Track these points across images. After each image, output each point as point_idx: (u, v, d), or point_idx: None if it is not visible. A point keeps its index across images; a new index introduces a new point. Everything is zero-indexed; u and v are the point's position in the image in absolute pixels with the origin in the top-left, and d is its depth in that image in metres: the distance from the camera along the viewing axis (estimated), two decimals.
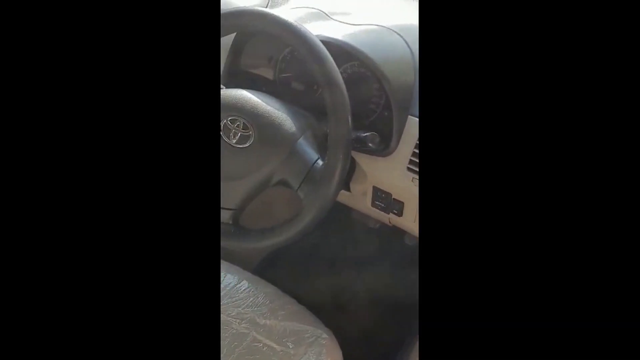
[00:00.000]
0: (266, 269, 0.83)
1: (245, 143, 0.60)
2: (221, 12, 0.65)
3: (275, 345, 0.68)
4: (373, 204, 0.76)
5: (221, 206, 0.63)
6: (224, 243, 0.64)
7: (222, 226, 0.64)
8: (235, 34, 0.76)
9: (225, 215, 0.64)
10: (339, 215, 0.77)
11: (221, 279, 0.76)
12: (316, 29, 0.67)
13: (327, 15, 0.80)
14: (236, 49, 0.79)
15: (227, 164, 0.62)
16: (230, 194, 0.63)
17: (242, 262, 0.82)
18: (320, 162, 0.59)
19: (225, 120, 0.61)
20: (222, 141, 0.61)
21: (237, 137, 0.61)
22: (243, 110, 0.61)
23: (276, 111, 0.61)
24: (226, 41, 0.77)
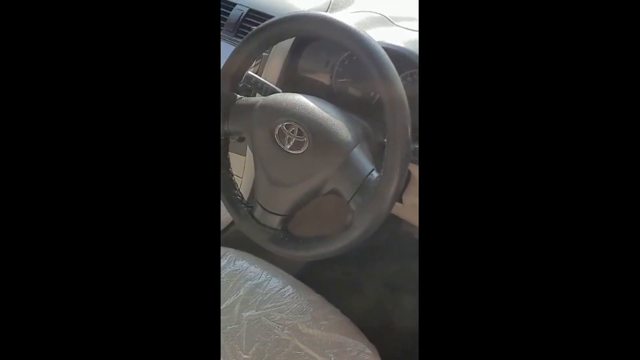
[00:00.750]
0: (310, 274, 0.82)
1: (299, 149, 0.59)
2: (283, 16, 0.65)
3: (317, 356, 0.67)
4: None
5: (271, 211, 0.63)
6: (273, 249, 0.64)
7: (271, 231, 0.64)
8: (294, 38, 0.76)
9: (274, 221, 0.63)
10: (388, 227, 0.75)
11: (266, 282, 0.76)
12: (378, 35, 0.65)
13: (390, 20, 0.78)
14: (294, 53, 0.79)
15: (279, 169, 0.61)
16: (281, 199, 0.62)
17: (286, 265, 0.82)
18: (375, 174, 0.57)
19: (280, 125, 0.60)
20: (275, 146, 0.61)
21: (291, 143, 0.60)
22: (299, 116, 0.60)
23: (332, 118, 0.60)
24: (284, 45, 0.77)
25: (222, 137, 0.68)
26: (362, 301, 1.02)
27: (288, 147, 0.60)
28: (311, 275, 0.84)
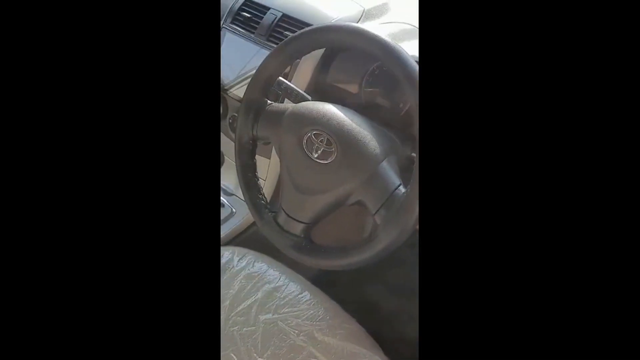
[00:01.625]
0: (325, 281, 0.82)
1: (327, 159, 0.59)
2: (316, 26, 0.65)
3: None
4: None
5: (295, 218, 0.63)
6: (295, 256, 0.64)
7: (293, 238, 0.64)
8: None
9: (297, 228, 0.63)
10: (412, 240, 0.74)
11: (284, 286, 0.76)
12: (409, 47, 0.65)
13: None
14: (325, 62, 0.79)
15: (306, 177, 0.61)
16: (305, 207, 0.62)
17: (302, 268, 0.82)
18: (402, 189, 0.57)
19: (309, 134, 0.60)
20: (303, 154, 0.61)
21: (319, 152, 0.60)
22: (328, 126, 0.60)
23: (362, 130, 0.59)
24: (315, 53, 0.77)
25: (249, 141, 0.69)
26: (376, 312, 1.02)
27: (316, 156, 0.60)
28: (326, 281, 0.84)
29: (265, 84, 0.67)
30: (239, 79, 0.89)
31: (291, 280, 0.77)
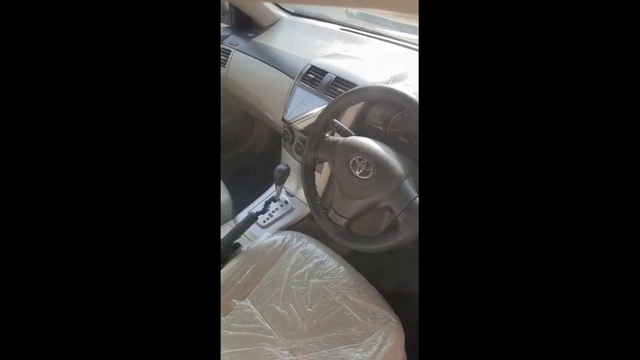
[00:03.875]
0: (352, 257, 0.83)
1: (366, 176, 0.62)
2: (360, 87, 0.68)
3: (358, 318, 0.68)
4: None
5: (340, 214, 0.65)
6: (339, 240, 0.66)
7: (338, 228, 0.66)
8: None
9: (341, 221, 0.66)
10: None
11: (327, 261, 0.77)
12: None
13: None
14: (364, 110, 0.81)
15: (350, 187, 0.64)
16: (348, 207, 0.64)
17: (338, 249, 0.83)
18: (417, 200, 0.58)
19: (354, 158, 0.63)
20: (349, 171, 0.63)
21: (360, 171, 0.62)
22: (368, 154, 0.62)
23: (391, 157, 0.62)
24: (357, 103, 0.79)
25: (312, 161, 0.72)
26: (389, 280, 1.00)
27: (358, 173, 0.63)
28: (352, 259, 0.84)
29: (325, 123, 0.70)
30: (301, 117, 0.92)
31: (331, 257, 0.79)
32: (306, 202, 0.98)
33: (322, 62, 0.94)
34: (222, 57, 1.22)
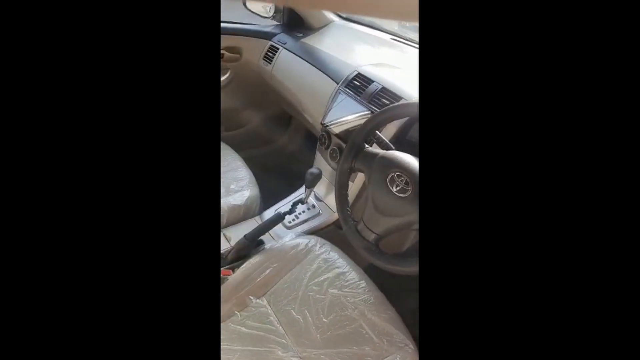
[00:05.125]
0: (372, 270, 0.81)
1: (403, 194, 0.60)
2: (406, 102, 0.66)
3: (374, 337, 0.66)
4: None
5: (370, 229, 0.64)
6: (365, 255, 0.64)
7: (366, 243, 0.64)
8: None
9: (370, 236, 0.64)
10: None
11: (348, 273, 0.76)
12: None
13: None
14: (406, 124, 0.79)
15: (385, 203, 0.62)
16: (380, 223, 0.63)
17: (358, 261, 0.81)
18: None
19: (393, 174, 0.61)
20: (386, 186, 0.62)
21: (398, 188, 0.60)
22: (408, 171, 0.60)
23: None
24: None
25: (347, 170, 0.71)
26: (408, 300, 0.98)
27: (395, 190, 0.60)
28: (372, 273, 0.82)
29: (367, 133, 0.69)
30: (337, 121, 0.91)
31: (353, 269, 0.77)
32: (334, 210, 0.98)
33: (369, 71, 0.93)
34: (269, 53, 1.23)
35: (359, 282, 0.74)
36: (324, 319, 0.69)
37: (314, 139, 1.10)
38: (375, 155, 0.66)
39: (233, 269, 0.80)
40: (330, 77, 1.00)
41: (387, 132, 0.80)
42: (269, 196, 1.04)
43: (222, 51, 1.23)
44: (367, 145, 0.70)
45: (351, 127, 0.90)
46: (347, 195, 0.71)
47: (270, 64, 1.22)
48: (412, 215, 0.58)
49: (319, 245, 0.81)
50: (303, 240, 0.82)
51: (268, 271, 0.77)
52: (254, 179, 1.02)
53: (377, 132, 0.71)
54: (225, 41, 1.24)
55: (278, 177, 1.29)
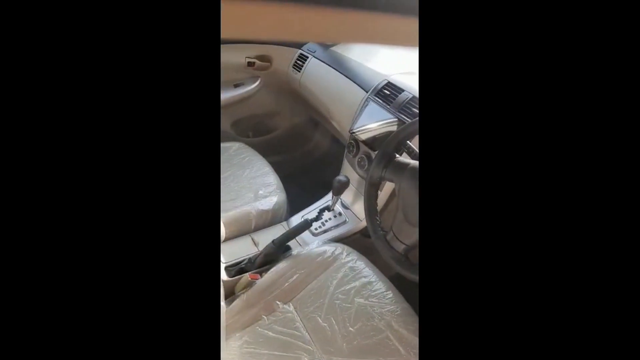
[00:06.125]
0: (398, 280, 0.80)
1: None
2: None
3: (401, 349, 0.65)
4: None
5: (399, 239, 0.63)
6: (394, 265, 0.64)
7: (395, 253, 0.64)
8: None
9: (400, 247, 0.63)
10: None
11: (375, 282, 0.76)
12: None
13: None
14: None
15: (416, 214, 0.61)
16: (410, 234, 0.62)
17: (384, 270, 0.80)
18: None
19: None
20: (416, 197, 0.61)
21: None
22: None
23: None
24: None
25: (377, 179, 0.71)
26: None
27: None
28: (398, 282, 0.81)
29: (398, 143, 0.69)
30: (364, 128, 0.92)
31: (380, 279, 0.77)
32: (361, 218, 0.98)
33: (399, 79, 0.93)
34: (298, 62, 1.26)
35: (385, 293, 0.74)
36: (350, 328, 0.69)
37: (339, 146, 1.11)
38: (406, 165, 0.66)
39: (261, 273, 0.82)
40: (359, 85, 1.01)
41: (417, 142, 0.79)
42: (294, 202, 1.05)
43: (253, 59, 1.27)
44: (397, 155, 0.69)
45: (378, 134, 0.90)
46: (376, 205, 0.71)
47: (299, 72, 1.24)
48: None
49: (345, 254, 0.81)
50: (330, 248, 0.83)
51: (295, 277, 0.78)
52: (281, 184, 1.04)
53: (407, 141, 0.71)
54: (256, 50, 1.28)
55: (304, 184, 1.31)
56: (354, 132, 0.94)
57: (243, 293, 0.78)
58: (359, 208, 0.99)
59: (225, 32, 0.21)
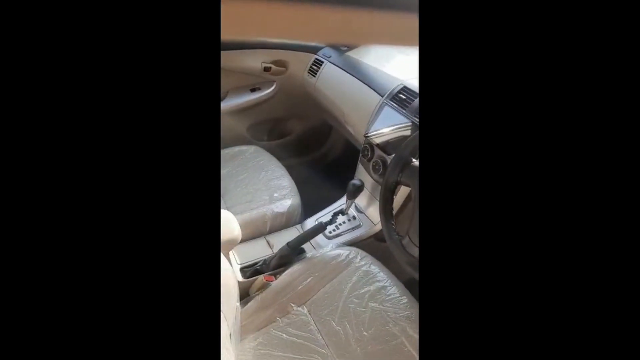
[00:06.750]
0: (412, 285, 0.79)
1: None
2: None
3: (417, 356, 0.64)
4: None
5: (416, 244, 0.63)
6: (408, 270, 0.63)
7: (410, 257, 0.63)
8: None
9: (416, 252, 0.63)
10: None
11: (389, 287, 0.75)
12: None
13: None
14: None
15: None
16: None
17: (398, 275, 0.80)
18: None
19: None
20: None
21: None
22: None
23: None
24: None
25: (393, 183, 0.71)
26: None
27: None
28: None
29: (414, 147, 0.69)
30: (379, 132, 0.92)
31: (394, 284, 0.76)
32: (375, 222, 0.97)
33: (415, 84, 0.93)
34: (314, 67, 1.27)
35: (400, 298, 0.73)
36: (365, 333, 0.69)
37: (354, 150, 1.11)
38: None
39: (275, 275, 0.83)
40: (374, 90, 1.01)
41: None
42: (308, 205, 1.06)
43: (269, 64, 1.29)
44: (413, 160, 0.69)
45: (392, 138, 0.90)
46: (392, 209, 0.71)
47: (314, 76, 1.26)
48: None
49: (359, 257, 0.81)
50: (344, 252, 0.83)
51: (309, 280, 0.79)
52: (295, 187, 1.04)
53: None
54: (272, 55, 1.30)
55: (318, 187, 1.31)
56: (368, 136, 0.94)
57: (258, 294, 0.79)
58: (373, 212, 0.99)
59: (225, 32, 0.21)
